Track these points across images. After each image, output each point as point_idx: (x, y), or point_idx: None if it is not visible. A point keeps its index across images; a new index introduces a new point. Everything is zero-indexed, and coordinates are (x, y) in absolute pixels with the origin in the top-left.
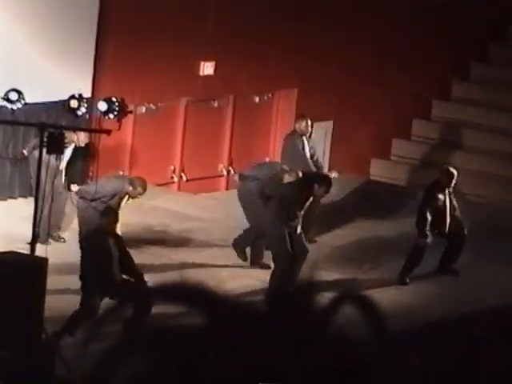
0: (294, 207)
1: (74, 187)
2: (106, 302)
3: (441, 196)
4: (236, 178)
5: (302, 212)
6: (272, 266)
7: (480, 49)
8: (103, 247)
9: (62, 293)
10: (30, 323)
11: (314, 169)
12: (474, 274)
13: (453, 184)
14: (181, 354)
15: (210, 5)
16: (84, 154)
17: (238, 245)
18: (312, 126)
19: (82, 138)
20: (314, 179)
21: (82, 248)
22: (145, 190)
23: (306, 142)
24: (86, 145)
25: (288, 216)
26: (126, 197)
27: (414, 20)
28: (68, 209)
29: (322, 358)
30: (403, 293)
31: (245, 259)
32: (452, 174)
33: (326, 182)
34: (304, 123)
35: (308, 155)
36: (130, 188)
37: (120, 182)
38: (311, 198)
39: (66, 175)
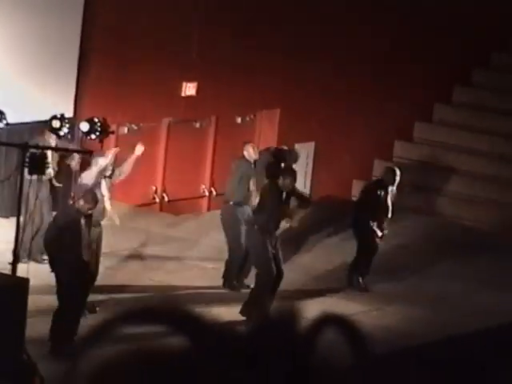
0: (274, 209)
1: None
2: (88, 324)
3: (383, 195)
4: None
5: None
6: (251, 286)
7: (463, 74)
8: (76, 227)
9: (44, 313)
10: (10, 344)
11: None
12: (456, 297)
13: (396, 183)
14: (162, 377)
15: (193, 26)
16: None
17: (229, 283)
18: (259, 153)
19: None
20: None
21: (57, 228)
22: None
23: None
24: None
25: (271, 222)
26: None
27: (395, 46)
28: None
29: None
30: (385, 315)
31: (242, 288)
32: (395, 173)
33: (290, 172)
34: (251, 149)
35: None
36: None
37: None
38: (284, 195)
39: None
